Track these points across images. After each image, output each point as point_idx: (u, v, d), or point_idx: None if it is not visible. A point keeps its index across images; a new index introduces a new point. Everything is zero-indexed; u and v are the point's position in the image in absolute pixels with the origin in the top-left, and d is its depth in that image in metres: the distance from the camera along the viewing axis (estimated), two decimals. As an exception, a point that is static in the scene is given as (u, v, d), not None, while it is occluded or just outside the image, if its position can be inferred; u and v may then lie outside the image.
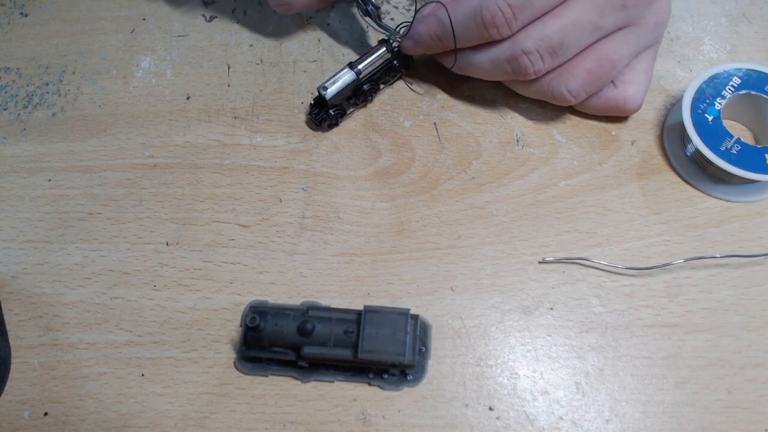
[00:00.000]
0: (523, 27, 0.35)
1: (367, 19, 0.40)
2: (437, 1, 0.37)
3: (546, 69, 0.36)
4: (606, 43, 0.36)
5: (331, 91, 0.37)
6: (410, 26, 0.38)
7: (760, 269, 0.36)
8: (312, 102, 0.39)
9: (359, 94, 0.39)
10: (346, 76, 0.38)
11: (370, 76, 0.39)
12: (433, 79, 0.41)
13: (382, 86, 0.40)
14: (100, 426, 0.32)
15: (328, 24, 0.44)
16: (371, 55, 0.39)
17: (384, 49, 0.39)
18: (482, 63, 0.37)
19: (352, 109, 0.40)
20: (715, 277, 0.35)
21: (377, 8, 0.39)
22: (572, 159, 0.39)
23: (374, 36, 0.43)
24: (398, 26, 0.39)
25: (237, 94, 0.41)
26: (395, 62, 0.39)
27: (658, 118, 0.40)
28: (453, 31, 0.36)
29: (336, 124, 0.40)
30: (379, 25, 0.40)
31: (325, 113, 0.39)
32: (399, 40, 0.39)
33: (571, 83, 0.36)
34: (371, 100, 0.40)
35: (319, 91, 0.37)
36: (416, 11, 0.38)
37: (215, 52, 0.43)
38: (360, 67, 0.38)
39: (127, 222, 0.37)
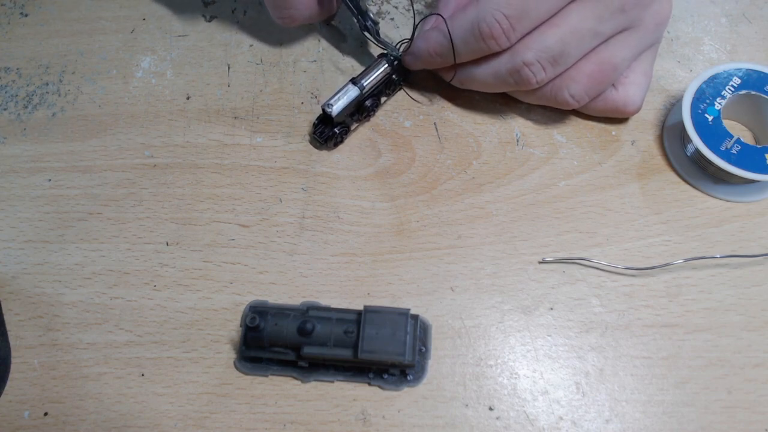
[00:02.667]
0: (522, 38, 0.35)
1: (366, 33, 0.40)
2: (437, 15, 0.37)
3: (548, 78, 0.36)
4: (607, 48, 0.36)
5: (337, 108, 0.37)
6: (411, 43, 0.38)
7: (760, 269, 0.36)
8: (315, 122, 0.39)
9: (362, 109, 0.39)
10: (350, 92, 0.37)
11: (371, 90, 0.38)
12: (433, 80, 0.41)
13: (383, 99, 0.40)
14: (100, 426, 0.32)
15: (328, 24, 0.44)
16: (372, 69, 0.38)
17: (385, 63, 0.39)
18: (484, 77, 0.37)
19: (356, 125, 0.40)
20: (715, 277, 0.35)
21: (375, 23, 0.39)
22: (572, 159, 0.39)
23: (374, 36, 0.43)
24: (398, 42, 0.39)
25: (237, 94, 0.41)
26: (394, 76, 0.39)
27: (658, 118, 0.40)
28: (453, 48, 0.36)
29: (341, 142, 0.39)
30: (378, 40, 0.40)
31: (330, 131, 0.38)
32: (400, 55, 0.39)
33: (573, 88, 0.36)
34: (374, 114, 0.40)
35: (323, 109, 0.37)
36: (415, 27, 0.38)
37: (215, 52, 0.43)
38: (363, 82, 0.38)
39: (127, 222, 0.37)
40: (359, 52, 0.43)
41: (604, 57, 0.36)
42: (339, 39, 0.43)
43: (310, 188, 0.38)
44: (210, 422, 0.32)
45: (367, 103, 0.39)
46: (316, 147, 0.40)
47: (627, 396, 0.33)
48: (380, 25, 0.40)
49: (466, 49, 0.36)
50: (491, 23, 0.34)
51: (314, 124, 0.39)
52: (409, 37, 0.39)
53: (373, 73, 0.38)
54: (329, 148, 0.39)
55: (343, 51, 0.43)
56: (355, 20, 0.39)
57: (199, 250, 0.37)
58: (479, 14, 0.34)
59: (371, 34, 0.40)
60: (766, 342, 0.34)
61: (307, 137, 0.40)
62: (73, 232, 0.37)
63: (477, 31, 0.34)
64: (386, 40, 0.40)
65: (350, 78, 0.38)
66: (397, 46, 0.39)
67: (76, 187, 0.39)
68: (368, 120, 0.40)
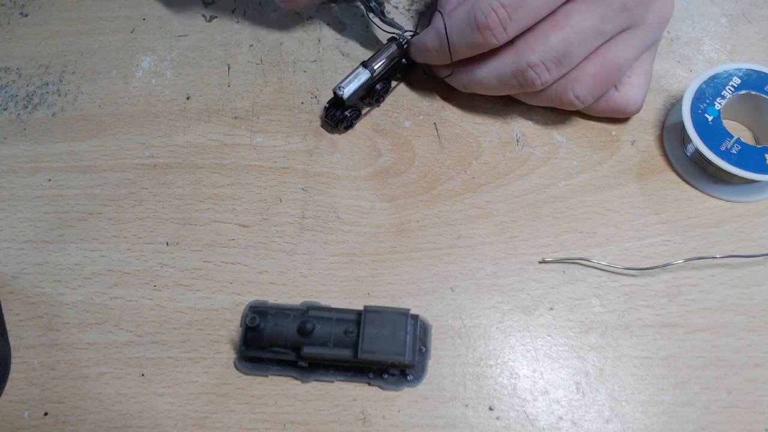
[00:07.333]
0: (525, 38, 0.35)
1: (371, 15, 0.40)
2: (439, 11, 0.37)
3: (553, 79, 0.35)
4: (610, 47, 0.36)
5: (348, 90, 0.37)
6: (416, 34, 0.38)
7: (760, 269, 0.36)
8: (327, 105, 0.39)
9: (372, 93, 0.39)
10: (362, 76, 0.38)
11: (381, 74, 0.38)
12: (433, 80, 0.41)
13: (394, 83, 0.40)
14: (100, 426, 0.32)
15: (328, 24, 0.44)
16: (383, 52, 0.38)
17: (394, 46, 0.39)
18: (488, 79, 0.37)
19: (367, 109, 0.40)
20: (715, 277, 0.35)
21: (380, 4, 0.39)
22: (572, 159, 0.39)
23: (374, 35, 0.43)
24: (405, 32, 0.39)
25: (237, 94, 0.41)
26: (404, 60, 0.39)
27: (658, 118, 0.40)
28: (448, 43, 0.36)
29: (351, 126, 0.40)
30: (383, 21, 0.40)
31: (341, 115, 0.38)
32: (408, 38, 0.39)
33: (578, 89, 0.36)
34: (383, 99, 0.40)
35: (335, 92, 0.37)
36: (432, 16, 0.38)
37: (215, 52, 0.43)
38: (374, 65, 0.38)
39: (127, 222, 0.37)
40: (360, 52, 0.43)
41: (608, 57, 0.36)
42: (339, 27, 0.43)
43: (310, 188, 0.38)
44: (210, 422, 0.32)
45: (378, 86, 0.39)
46: (327, 131, 0.40)
47: (627, 396, 0.33)
48: (384, 6, 0.40)
49: (463, 41, 0.35)
50: (487, 11, 0.33)
51: (325, 107, 0.39)
52: (414, 32, 0.38)
53: (383, 56, 0.38)
54: (340, 132, 0.40)
55: (344, 51, 0.43)
56: (360, 2, 0.39)
57: (199, 250, 0.37)
58: (476, 4, 0.34)
59: (377, 15, 0.39)
60: (766, 342, 0.34)
61: (307, 136, 0.40)
62: (73, 232, 0.37)
63: (473, 20, 0.34)
64: (393, 21, 0.40)
65: (361, 62, 0.38)
66: (405, 32, 0.39)
67: (76, 187, 0.39)
68: (378, 105, 0.40)
